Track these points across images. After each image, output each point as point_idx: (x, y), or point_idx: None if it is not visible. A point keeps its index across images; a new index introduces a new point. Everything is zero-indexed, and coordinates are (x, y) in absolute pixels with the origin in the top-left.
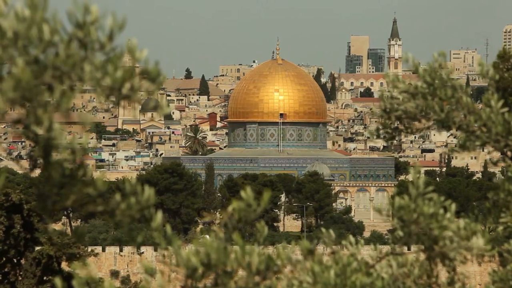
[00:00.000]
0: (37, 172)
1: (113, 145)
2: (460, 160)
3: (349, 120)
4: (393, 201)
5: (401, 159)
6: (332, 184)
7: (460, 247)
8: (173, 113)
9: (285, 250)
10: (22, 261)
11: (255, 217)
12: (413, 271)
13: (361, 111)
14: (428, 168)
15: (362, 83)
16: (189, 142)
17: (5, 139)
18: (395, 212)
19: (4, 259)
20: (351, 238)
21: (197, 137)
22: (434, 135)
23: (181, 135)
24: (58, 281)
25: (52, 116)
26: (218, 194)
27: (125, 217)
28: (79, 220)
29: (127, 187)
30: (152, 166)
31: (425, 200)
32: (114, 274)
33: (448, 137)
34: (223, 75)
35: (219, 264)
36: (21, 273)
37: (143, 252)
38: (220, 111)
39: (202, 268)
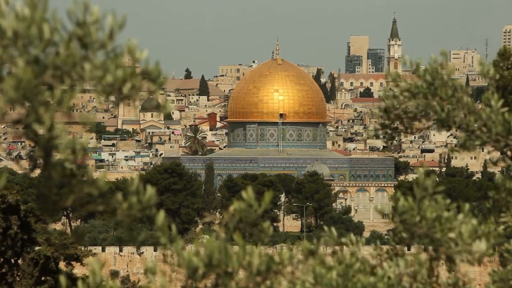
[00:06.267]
0: (37, 172)
1: (113, 145)
2: (460, 160)
3: (348, 120)
4: (395, 203)
5: (401, 159)
6: (332, 184)
7: (463, 251)
8: (173, 113)
9: (286, 251)
10: (20, 262)
11: (256, 218)
12: (420, 270)
13: (361, 111)
14: (428, 168)
15: (361, 83)
16: (189, 142)
17: (5, 139)
18: (397, 214)
19: (1, 260)
20: (352, 237)
21: (197, 137)
22: (434, 135)
23: (180, 135)
24: (62, 279)
25: (54, 116)
26: (218, 194)
27: (126, 217)
28: (79, 220)
29: (130, 185)
30: (151, 166)
31: (431, 202)
32: (114, 274)
33: (448, 137)
34: (223, 75)
35: (220, 265)
36: (18, 273)
37: (143, 252)
38: (220, 111)
39: (203, 268)
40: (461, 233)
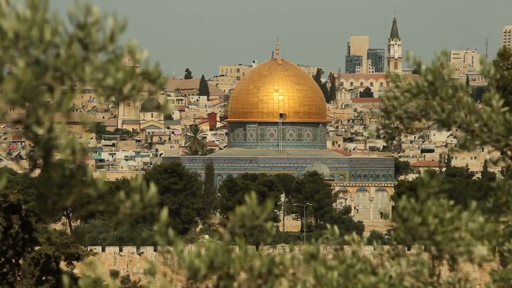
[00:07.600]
0: (37, 172)
1: (113, 145)
2: (460, 160)
3: (348, 120)
4: (397, 203)
5: (401, 159)
6: (332, 184)
7: (465, 253)
8: (173, 113)
9: (287, 253)
10: (21, 261)
11: (258, 224)
12: (422, 270)
13: (361, 111)
14: (428, 168)
15: (361, 83)
16: (189, 142)
17: (5, 139)
18: (398, 216)
19: (2, 259)
20: (354, 235)
21: (197, 137)
22: (434, 135)
23: (180, 135)
24: (65, 279)
25: (53, 117)
26: (218, 194)
27: (128, 215)
28: (79, 220)
29: (133, 182)
30: (151, 166)
31: (434, 203)
32: (114, 274)
33: (448, 137)
34: (223, 75)
35: (221, 267)
36: (19, 273)
37: (142, 252)
38: (220, 111)
39: (204, 270)
40: (463, 235)
